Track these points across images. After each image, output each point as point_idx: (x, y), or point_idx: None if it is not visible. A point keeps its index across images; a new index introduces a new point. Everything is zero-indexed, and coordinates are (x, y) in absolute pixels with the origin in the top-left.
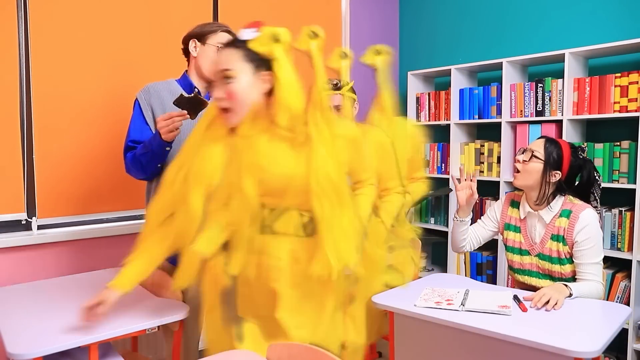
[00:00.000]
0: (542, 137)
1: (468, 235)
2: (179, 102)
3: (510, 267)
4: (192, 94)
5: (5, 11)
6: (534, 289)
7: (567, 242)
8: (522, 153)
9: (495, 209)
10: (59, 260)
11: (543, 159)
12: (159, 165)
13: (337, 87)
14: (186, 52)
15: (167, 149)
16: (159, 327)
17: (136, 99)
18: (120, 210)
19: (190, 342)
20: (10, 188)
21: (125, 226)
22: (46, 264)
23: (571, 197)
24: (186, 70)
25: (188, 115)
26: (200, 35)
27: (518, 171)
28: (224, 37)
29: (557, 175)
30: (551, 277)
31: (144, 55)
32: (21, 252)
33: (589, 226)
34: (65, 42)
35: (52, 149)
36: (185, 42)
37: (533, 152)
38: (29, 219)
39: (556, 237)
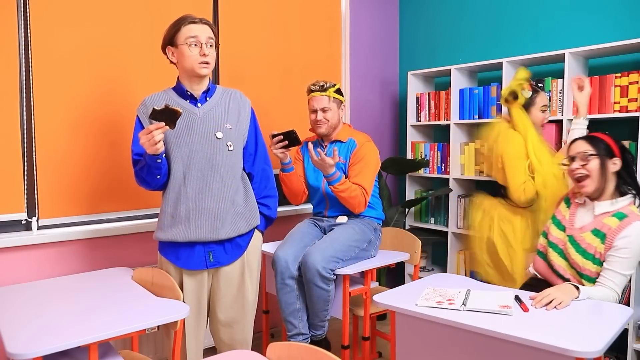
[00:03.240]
0: (580, 138)
1: None
2: (154, 117)
3: (544, 234)
4: (163, 107)
5: (5, 11)
6: (550, 265)
7: (607, 242)
8: (572, 160)
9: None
10: (59, 260)
11: (596, 152)
12: (158, 176)
13: (323, 89)
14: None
15: (158, 160)
16: (158, 327)
17: (137, 114)
18: (121, 210)
19: (196, 342)
20: (10, 188)
21: (126, 226)
22: (46, 264)
23: (635, 208)
24: (178, 76)
25: (167, 127)
26: (170, 40)
27: (583, 177)
28: (190, 30)
29: (617, 163)
30: (569, 263)
31: (145, 55)
32: (21, 252)
33: (635, 237)
34: (66, 42)
35: (52, 149)
36: (164, 52)
37: (584, 152)
38: (29, 219)
39: (597, 232)
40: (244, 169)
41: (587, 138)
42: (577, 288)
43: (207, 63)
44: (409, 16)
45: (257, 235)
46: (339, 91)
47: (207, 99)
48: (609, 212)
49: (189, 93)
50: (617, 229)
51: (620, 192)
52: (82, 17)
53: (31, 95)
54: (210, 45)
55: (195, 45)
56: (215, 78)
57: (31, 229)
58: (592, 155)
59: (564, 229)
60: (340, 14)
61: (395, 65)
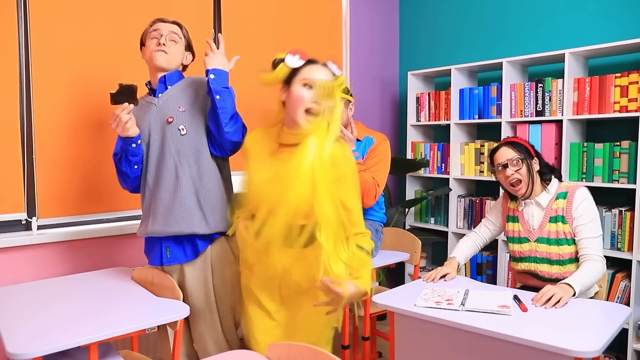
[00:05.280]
0: (501, 144)
1: (471, 249)
2: (115, 100)
3: (512, 258)
4: (118, 88)
5: (5, 11)
6: (532, 274)
7: (567, 220)
8: (505, 167)
9: (496, 208)
10: (59, 260)
11: (523, 157)
12: (135, 166)
13: None
14: None
15: (133, 145)
16: (158, 327)
17: None
18: (120, 210)
19: (187, 342)
20: (10, 188)
21: (125, 226)
22: (46, 264)
23: (565, 182)
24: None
25: (131, 105)
26: (141, 41)
27: (518, 182)
28: (154, 27)
29: (536, 162)
30: (549, 260)
31: None
32: (21, 252)
33: (585, 201)
34: (66, 42)
35: (52, 149)
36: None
37: (514, 159)
38: (29, 219)
39: (555, 219)
40: (221, 161)
41: (509, 144)
42: (570, 286)
43: (164, 52)
44: (409, 16)
45: (222, 243)
46: (347, 91)
47: (168, 87)
48: (551, 199)
49: (150, 87)
50: (568, 204)
51: (544, 181)
52: (81, 18)
53: (30, 95)
54: (173, 40)
55: (156, 38)
56: None
57: (31, 229)
58: (520, 160)
59: (527, 240)
60: (341, 14)
61: (395, 65)
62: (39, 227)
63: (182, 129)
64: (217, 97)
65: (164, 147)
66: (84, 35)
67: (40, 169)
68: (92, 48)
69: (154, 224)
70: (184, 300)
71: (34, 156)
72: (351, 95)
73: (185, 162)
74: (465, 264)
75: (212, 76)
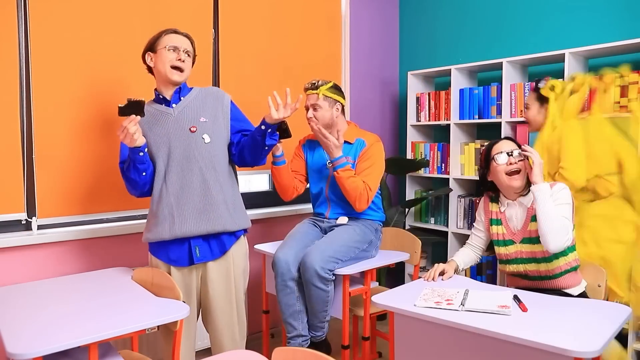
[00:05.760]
0: (503, 138)
1: (469, 258)
2: (123, 112)
3: (499, 260)
4: (126, 102)
5: (5, 11)
6: (520, 275)
7: None
8: (509, 155)
9: (479, 214)
10: (59, 260)
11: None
12: (143, 173)
13: (314, 87)
14: (149, 69)
15: (141, 154)
16: (158, 327)
17: None
18: (120, 210)
19: (187, 342)
20: (10, 188)
21: (125, 226)
22: (46, 264)
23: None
24: (156, 88)
25: (138, 117)
26: (150, 46)
27: (517, 172)
28: (170, 39)
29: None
30: (535, 258)
31: None
32: (21, 252)
33: (563, 190)
34: (66, 43)
35: (52, 149)
36: (144, 59)
37: (518, 150)
38: (29, 219)
39: (536, 217)
40: (233, 165)
41: (511, 139)
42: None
43: (181, 70)
44: (409, 16)
45: (244, 241)
46: (333, 89)
47: (181, 98)
48: (533, 198)
49: (162, 97)
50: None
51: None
52: (81, 17)
53: (30, 95)
54: (188, 55)
55: (174, 51)
56: (216, 78)
57: (31, 229)
58: (523, 153)
59: (512, 242)
60: (340, 14)
61: (395, 65)
62: (39, 227)
63: (205, 138)
64: (266, 147)
65: (189, 153)
66: (84, 35)
67: (40, 169)
68: (91, 47)
69: (183, 225)
70: (205, 295)
71: (34, 156)
72: (342, 96)
73: (210, 166)
74: None
75: (269, 130)
